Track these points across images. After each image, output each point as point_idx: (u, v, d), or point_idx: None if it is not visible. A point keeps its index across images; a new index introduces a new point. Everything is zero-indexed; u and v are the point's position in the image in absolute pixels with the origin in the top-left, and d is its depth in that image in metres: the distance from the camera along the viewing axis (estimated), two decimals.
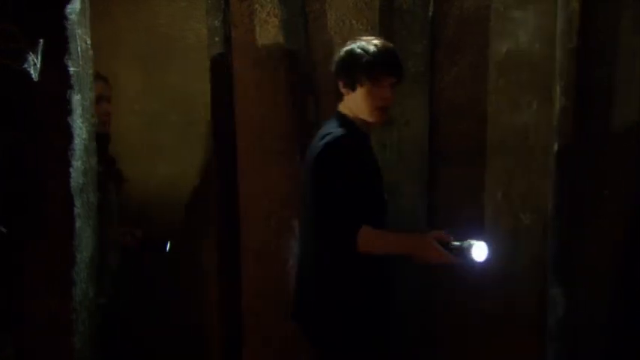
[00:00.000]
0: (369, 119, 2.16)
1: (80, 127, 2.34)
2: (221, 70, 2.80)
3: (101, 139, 2.40)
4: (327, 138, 2.10)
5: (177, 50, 2.89)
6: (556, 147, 2.61)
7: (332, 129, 2.13)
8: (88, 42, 2.38)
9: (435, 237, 2.03)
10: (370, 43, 2.17)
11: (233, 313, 2.88)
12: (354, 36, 2.73)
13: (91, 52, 2.40)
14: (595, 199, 2.63)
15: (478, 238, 1.97)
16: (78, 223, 2.31)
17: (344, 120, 2.17)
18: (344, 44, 2.71)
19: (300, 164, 2.80)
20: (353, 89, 2.15)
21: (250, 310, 2.83)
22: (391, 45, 2.22)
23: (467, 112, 2.71)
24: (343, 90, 2.18)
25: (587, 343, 2.67)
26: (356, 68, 2.14)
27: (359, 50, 2.16)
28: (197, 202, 2.95)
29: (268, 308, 2.79)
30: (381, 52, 2.14)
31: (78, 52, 2.26)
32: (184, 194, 2.95)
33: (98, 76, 2.42)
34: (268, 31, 2.80)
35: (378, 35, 2.70)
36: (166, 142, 2.92)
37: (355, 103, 2.15)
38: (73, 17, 2.22)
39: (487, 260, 1.96)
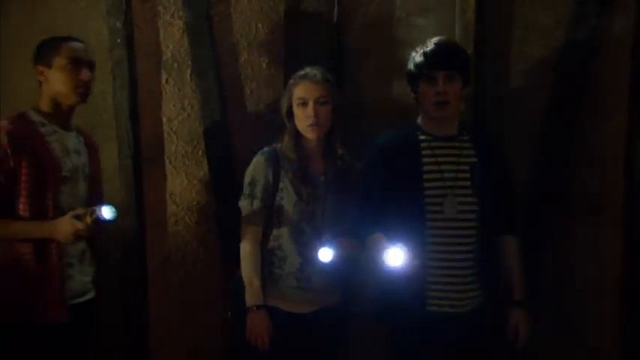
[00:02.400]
0: (432, 116, 2.18)
1: None
2: (124, 72, 2.72)
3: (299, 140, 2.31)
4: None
5: None
6: None
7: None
8: None
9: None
10: (425, 42, 2.21)
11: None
12: (259, 39, 2.75)
13: None
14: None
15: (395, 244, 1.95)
16: None
17: (406, 123, 2.27)
18: (250, 47, 2.74)
19: (208, 169, 2.77)
20: (416, 92, 2.22)
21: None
22: (444, 38, 2.23)
23: (373, 114, 2.75)
24: (413, 96, 2.25)
25: None
26: (411, 71, 2.21)
27: (412, 53, 2.23)
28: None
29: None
30: (428, 48, 2.17)
31: None
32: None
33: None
34: (173, 33, 2.75)
35: (283, 40, 2.72)
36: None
37: (420, 104, 2.22)
38: None
39: (404, 266, 1.92)
